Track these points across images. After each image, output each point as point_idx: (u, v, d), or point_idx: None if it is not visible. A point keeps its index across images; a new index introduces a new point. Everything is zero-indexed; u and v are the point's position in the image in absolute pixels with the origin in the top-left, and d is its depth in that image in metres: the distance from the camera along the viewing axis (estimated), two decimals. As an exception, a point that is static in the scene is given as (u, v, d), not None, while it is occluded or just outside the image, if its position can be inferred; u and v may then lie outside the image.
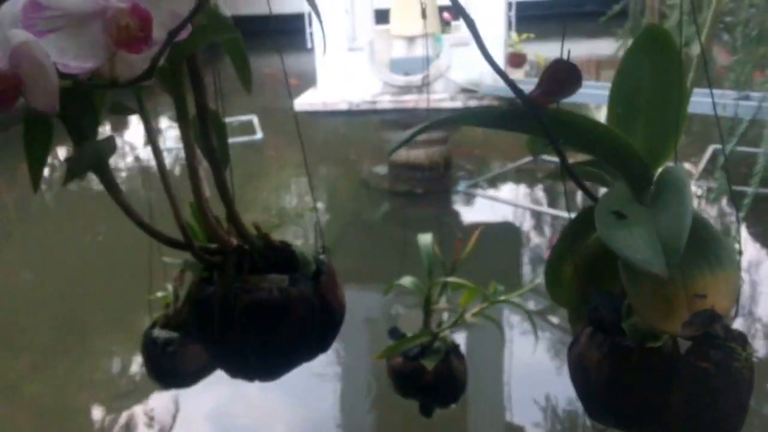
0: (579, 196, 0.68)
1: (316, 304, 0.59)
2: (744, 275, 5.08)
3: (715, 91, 4.66)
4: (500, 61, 6.40)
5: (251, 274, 0.59)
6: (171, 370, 1.26)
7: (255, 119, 8.60)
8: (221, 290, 0.57)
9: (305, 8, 6.53)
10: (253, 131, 8.30)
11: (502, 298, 1.37)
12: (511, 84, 0.48)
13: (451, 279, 1.25)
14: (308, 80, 7.14)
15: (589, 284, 0.64)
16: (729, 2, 5.05)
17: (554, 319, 3.99)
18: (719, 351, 0.53)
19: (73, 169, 0.52)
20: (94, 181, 0.62)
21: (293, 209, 6.79)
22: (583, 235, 0.65)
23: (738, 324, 0.57)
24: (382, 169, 7.11)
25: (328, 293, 0.61)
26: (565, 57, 0.48)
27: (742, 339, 0.55)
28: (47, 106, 0.40)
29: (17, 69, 0.39)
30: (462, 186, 6.60)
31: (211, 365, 1.30)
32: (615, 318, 0.56)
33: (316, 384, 4.01)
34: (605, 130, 0.52)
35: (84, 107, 0.52)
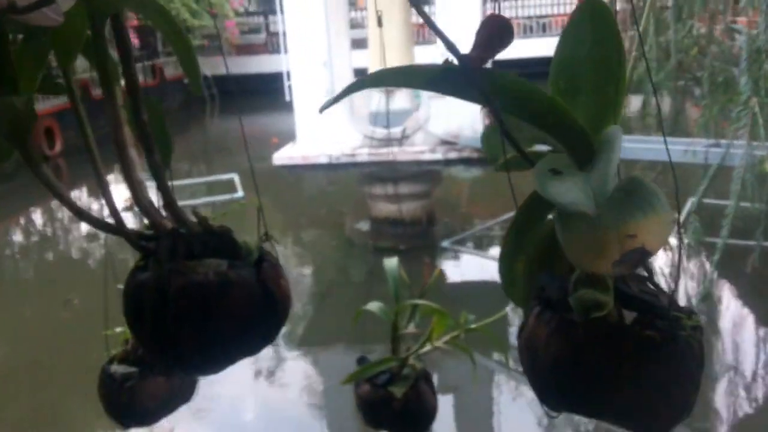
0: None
1: (257, 291, 0.57)
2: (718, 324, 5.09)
3: (686, 140, 4.77)
4: (478, 113, 6.51)
5: (188, 260, 0.56)
6: (130, 406, 1.20)
7: (236, 177, 8.64)
8: (153, 274, 0.54)
9: (283, 67, 6.62)
10: (234, 189, 8.34)
11: (473, 326, 1.35)
12: (445, 40, 0.48)
13: (419, 301, 1.22)
14: (289, 138, 7.19)
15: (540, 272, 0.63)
16: (695, 55, 5.21)
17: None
18: (664, 320, 0.51)
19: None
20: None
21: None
22: (530, 227, 0.64)
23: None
24: (364, 225, 7.10)
25: (271, 281, 0.58)
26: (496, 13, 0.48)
27: (687, 310, 0.53)
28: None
29: None
30: (446, 242, 6.58)
31: (173, 402, 1.25)
32: (562, 295, 0.55)
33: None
34: (544, 95, 0.51)
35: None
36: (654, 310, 0.52)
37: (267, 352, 4.97)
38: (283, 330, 0.61)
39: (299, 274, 6.50)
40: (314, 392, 4.35)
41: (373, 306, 1.27)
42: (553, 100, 0.53)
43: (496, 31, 0.48)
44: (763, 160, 3.60)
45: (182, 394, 1.25)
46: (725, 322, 5.12)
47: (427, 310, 1.31)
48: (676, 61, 4.99)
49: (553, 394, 0.56)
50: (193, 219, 0.59)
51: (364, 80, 0.50)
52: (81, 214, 0.55)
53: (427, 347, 1.31)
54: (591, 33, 0.58)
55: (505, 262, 0.68)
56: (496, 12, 0.47)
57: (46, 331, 5.26)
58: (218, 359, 0.57)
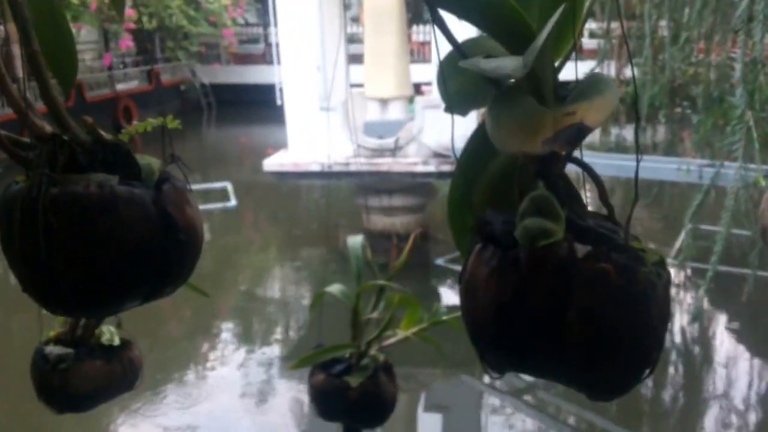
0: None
1: (153, 213, 0.48)
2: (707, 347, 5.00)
3: (678, 159, 4.72)
4: (472, 125, 6.41)
5: (72, 172, 0.48)
6: (63, 390, 1.11)
7: (229, 186, 8.58)
8: (26, 184, 0.46)
9: (277, 73, 6.54)
10: (227, 198, 8.27)
11: (445, 318, 1.27)
12: None
13: (383, 282, 1.14)
14: (284, 147, 7.10)
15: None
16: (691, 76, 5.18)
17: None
18: (622, 253, 0.42)
19: None
20: None
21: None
22: (477, 169, 0.56)
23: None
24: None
25: (172, 205, 0.50)
26: None
27: (651, 250, 0.45)
28: None
29: None
30: (440, 260, 6.47)
31: (112, 388, 1.16)
32: (507, 228, 0.46)
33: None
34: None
35: None
36: (611, 243, 0.44)
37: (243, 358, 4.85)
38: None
39: (293, 291, 6.41)
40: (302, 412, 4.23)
41: (334, 289, 1.18)
42: (509, 3, 0.45)
43: None
44: (757, 180, 3.54)
45: (123, 381, 1.16)
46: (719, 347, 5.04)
47: (393, 297, 1.23)
48: (673, 85, 4.97)
49: (493, 346, 0.47)
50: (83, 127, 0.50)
51: None
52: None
53: (393, 338, 1.23)
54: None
55: (453, 211, 0.60)
56: None
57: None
58: (102, 294, 0.48)
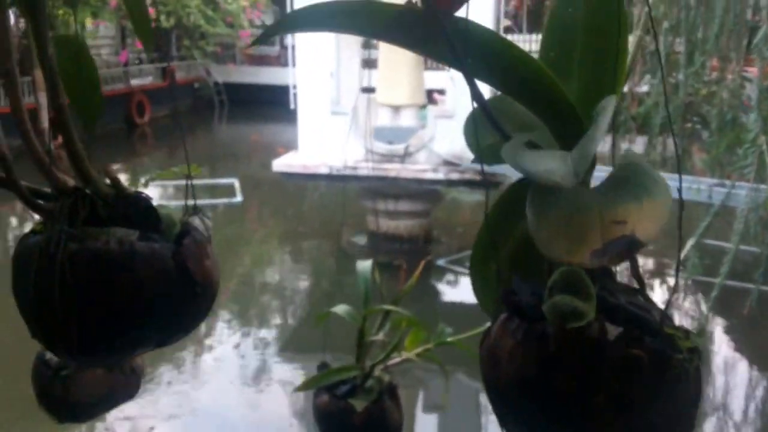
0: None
1: (172, 270, 0.47)
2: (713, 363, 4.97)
3: (691, 177, 4.69)
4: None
5: (92, 226, 0.47)
6: (64, 398, 1.10)
7: (236, 183, 8.61)
8: (44, 237, 0.45)
9: (290, 80, 6.56)
10: (233, 194, 8.30)
11: (450, 339, 1.25)
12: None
13: (389, 307, 1.13)
14: (294, 148, 7.13)
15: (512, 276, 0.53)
16: (704, 95, 5.16)
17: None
18: (655, 338, 0.41)
19: None
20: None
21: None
22: (504, 228, 0.55)
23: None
24: (361, 239, 7.02)
25: (191, 260, 0.49)
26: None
27: (684, 330, 0.43)
28: None
29: None
30: (442, 261, 6.51)
31: (114, 397, 1.15)
32: (535, 301, 0.45)
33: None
34: (524, 56, 0.42)
35: None
36: (643, 325, 0.42)
37: (254, 362, 4.89)
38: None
39: (292, 285, 6.44)
40: (292, 402, 4.25)
41: (340, 309, 1.17)
42: (536, 63, 0.43)
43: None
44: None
45: (125, 389, 1.15)
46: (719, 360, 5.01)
47: (399, 319, 1.21)
48: (684, 102, 4.94)
49: (515, 418, 0.46)
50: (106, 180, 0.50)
51: (305, 16, 0.41)
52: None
53: (397, 358, 1.22)
54: (585, -3, 0.49)
55: (475, 267, 0.59)
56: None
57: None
58: (114, 346, 0.47)
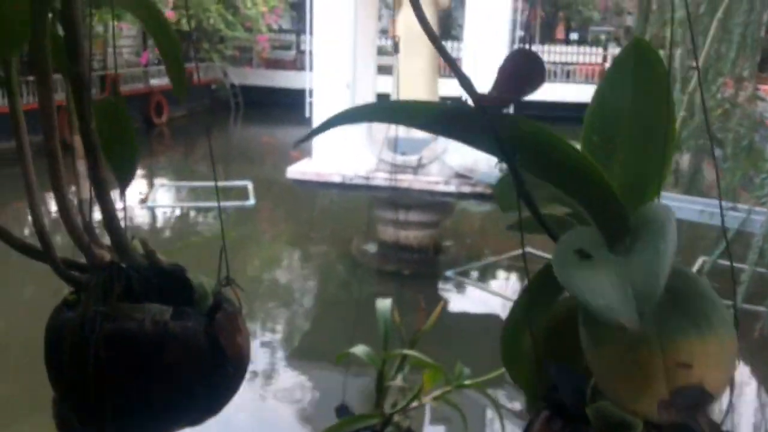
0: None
1: (204, 349, 0.47)
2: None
3: (704, 200, 4.65)
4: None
5: (126, 300, 0.46)
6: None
7: (249, 185, 8.63)
8: (79, 314, 0.45)
9: (307, 84, 6.59)
10: (246, 197, 8.31)
11: (468, 382, 1.24)
12: (459, 74, 0.38)
13: (409, 352, 1.12)
14: (305, 153, 7.15)
15: (549, 360, 0.52)
16: (719, 115, 5.13)
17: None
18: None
19: None
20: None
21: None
22: (542, 301, 0.54)
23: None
24: (371, 247, 7.02)
25: (223, 335, 0.48)
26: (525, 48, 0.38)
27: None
28: None
29: None
30: (450, 272, 6.51)
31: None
32: (577, 400, 0.44)
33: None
34: (573, 152, 0.41)
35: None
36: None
37: (262, 365, 4.87)
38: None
39: (301, 289, 6.46)
40: (300, 409, 4.24)
41: (359, 350, 1.16)
42: (584, 159, 0.42)
43: (523, 68, 0.38)
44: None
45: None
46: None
47: (417, 362, 1.20)
48: (699, 121, 4.92)
49: None
50: (140, 249, 0.49)
51: (353, 114, 0.40)
52: (7, 238, 0.45)
53: (415, 403, 1.21)
54: (634, 80, 0.48)
55: (508, 335, 0.58)
56: (522, 51, 0.37)
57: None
58: (145, 425, 0.47)
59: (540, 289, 0.53)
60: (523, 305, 0.55)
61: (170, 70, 0.62)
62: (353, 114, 0.41)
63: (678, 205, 4.85)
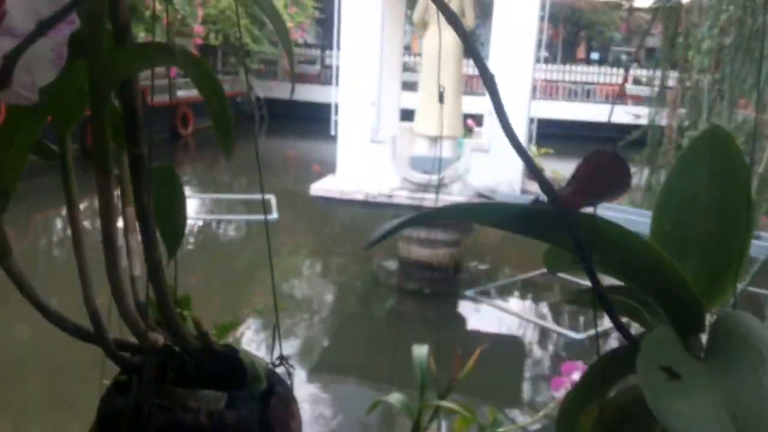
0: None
1: (258, 436, 0.45)
2: None
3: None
4: (518, 171, 6.41)
5: (179, 385, 0.45)
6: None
7: (273, 199, 8.64)
8: (133, 404, 0.44)
9: (333, 98, 6.64)
10: (269, 211, 8.33)
11: (502, 430, 1.21)
12: (538, 176, 0.36)
13: (443, 403, 1.09)
14: (329, 167, 7.18)
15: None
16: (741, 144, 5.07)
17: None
18: None
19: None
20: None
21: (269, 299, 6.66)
22: (611, 382, 0.51)
23: None
24: (392, 264, 7.01)
25: (278, 423, 0.47)
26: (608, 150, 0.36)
27: None
28: None
29: None
30: (470, 292, 6.48)
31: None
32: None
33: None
34: (650, 251, 0.39)
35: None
36: None
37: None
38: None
39: (320, 302, 6.47)
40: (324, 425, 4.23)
41: (394, 398, 1.14)
42: (658, 254, 0.41)
43: (605, 171, 0.36)
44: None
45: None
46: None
47: (451, 411, 1.17)
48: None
49: None
50: (192, 328, 0.48)
51: (433, 214, 0.39)
52: (49, 314, 0.44)
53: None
54: (711, 167, 0.46)
55: (568, 412, 0.55)
56: (604, 152, 0.36)
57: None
58: None
59: (610, 369, 0.51)
60: (589, 384, 0.53)
61: (218, 128, 0.61)
62: (449, 211, 0.39)
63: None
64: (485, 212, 0.39)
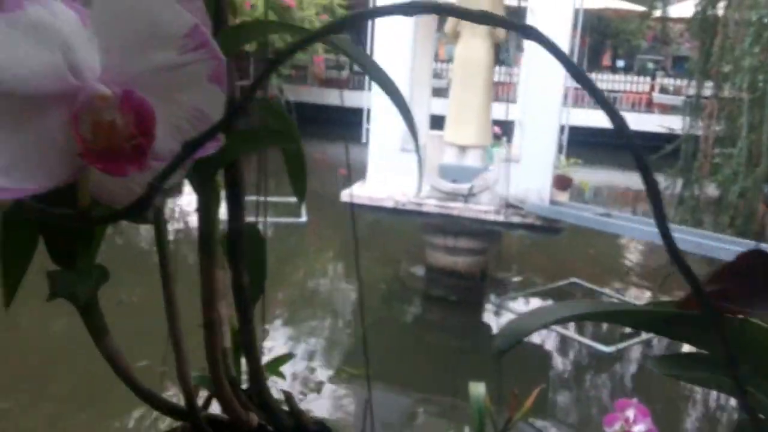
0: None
1: None
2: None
3: (746, 242, 4.46)
4: (547, 181, 6.33)
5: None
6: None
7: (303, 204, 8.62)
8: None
9: (365, 103, 6.64)
10: (298, 213, 8.32)
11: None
12: (689, 275, 0.33)
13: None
14: (357, 172, 7.18)
15: None
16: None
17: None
18: None
19: (54, 292, 0.38)
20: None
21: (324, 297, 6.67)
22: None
23: None
24: (419, 271, 7.01)
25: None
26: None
27: None
28: None
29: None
30: (497, 299, 6.46)
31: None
32: None
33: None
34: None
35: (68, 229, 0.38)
36: None
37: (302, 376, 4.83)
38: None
39: (348, 304, 6.49)
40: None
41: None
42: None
43: (761, 273, 0.33)
44: None
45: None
46: None
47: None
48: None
49: None
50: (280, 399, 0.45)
51: (583, 316, 0.36)
52: (142, 392, 0.42)
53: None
54: None
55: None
56: (758, 252, 0.33)
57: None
58: None
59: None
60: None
61: (292, 174, 0.60)
62: (577, 317, 0.36)
63: (724, 246, 4.66)
64: (626, 316, 0.36)
